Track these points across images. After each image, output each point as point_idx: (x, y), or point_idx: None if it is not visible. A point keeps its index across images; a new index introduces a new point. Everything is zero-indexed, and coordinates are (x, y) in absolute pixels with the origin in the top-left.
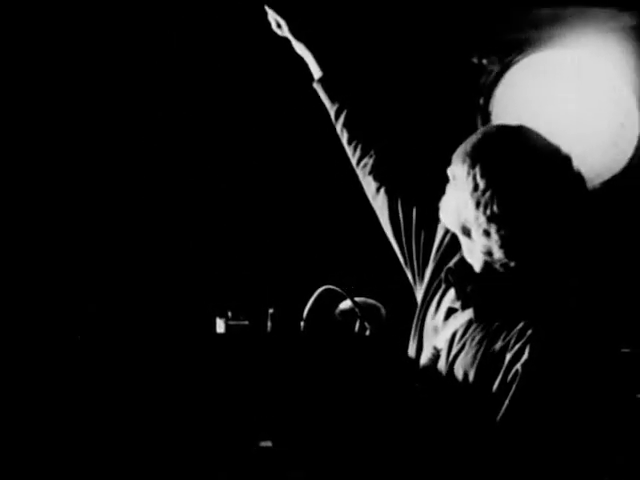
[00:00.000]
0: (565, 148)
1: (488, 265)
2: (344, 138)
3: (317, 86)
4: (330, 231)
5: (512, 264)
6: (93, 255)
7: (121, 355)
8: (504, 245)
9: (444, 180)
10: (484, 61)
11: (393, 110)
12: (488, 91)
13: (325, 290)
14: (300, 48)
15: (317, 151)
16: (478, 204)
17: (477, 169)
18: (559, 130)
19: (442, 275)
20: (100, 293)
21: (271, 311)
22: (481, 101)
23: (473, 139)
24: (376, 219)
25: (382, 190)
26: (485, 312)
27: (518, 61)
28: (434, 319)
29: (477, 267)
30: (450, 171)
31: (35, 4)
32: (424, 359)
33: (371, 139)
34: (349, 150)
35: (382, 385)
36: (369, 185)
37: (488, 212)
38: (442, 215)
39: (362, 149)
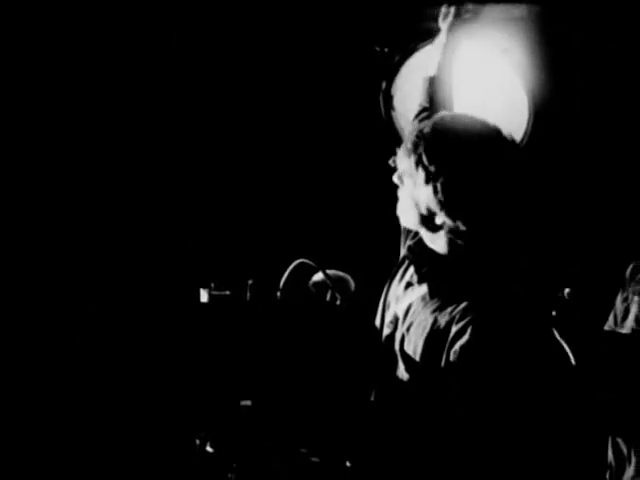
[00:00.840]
0: None
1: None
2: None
3: (431, 81)
4: (304, 212)
5: (460, 241)
6: (93, 255)
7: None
8: (442, 208)
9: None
10: (386, 49)
11: None
12: (390, 76)
13: (300, 263)
14: (453, 43)
15: (307, 139)
16: (426, 183)
17: (412, 156)
18: None
19: (405, 251)
20: (100, 293)
21: (250, 282)
22: (383, 85)
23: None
24: (347, 198)
25: None
26: (437, 291)
27: (419, 49)
28: (397, 288)
29: (441, 250)
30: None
31: (35, 4)
32: (386, 324)
33: None
34: None
35: (349, 348)
36: None
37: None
38: (401, 220)
39: None
